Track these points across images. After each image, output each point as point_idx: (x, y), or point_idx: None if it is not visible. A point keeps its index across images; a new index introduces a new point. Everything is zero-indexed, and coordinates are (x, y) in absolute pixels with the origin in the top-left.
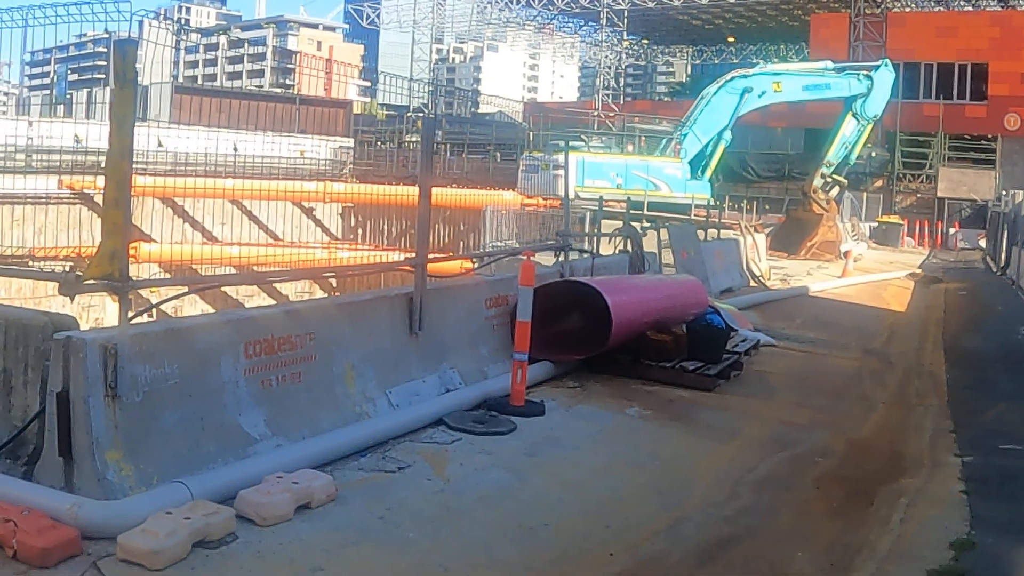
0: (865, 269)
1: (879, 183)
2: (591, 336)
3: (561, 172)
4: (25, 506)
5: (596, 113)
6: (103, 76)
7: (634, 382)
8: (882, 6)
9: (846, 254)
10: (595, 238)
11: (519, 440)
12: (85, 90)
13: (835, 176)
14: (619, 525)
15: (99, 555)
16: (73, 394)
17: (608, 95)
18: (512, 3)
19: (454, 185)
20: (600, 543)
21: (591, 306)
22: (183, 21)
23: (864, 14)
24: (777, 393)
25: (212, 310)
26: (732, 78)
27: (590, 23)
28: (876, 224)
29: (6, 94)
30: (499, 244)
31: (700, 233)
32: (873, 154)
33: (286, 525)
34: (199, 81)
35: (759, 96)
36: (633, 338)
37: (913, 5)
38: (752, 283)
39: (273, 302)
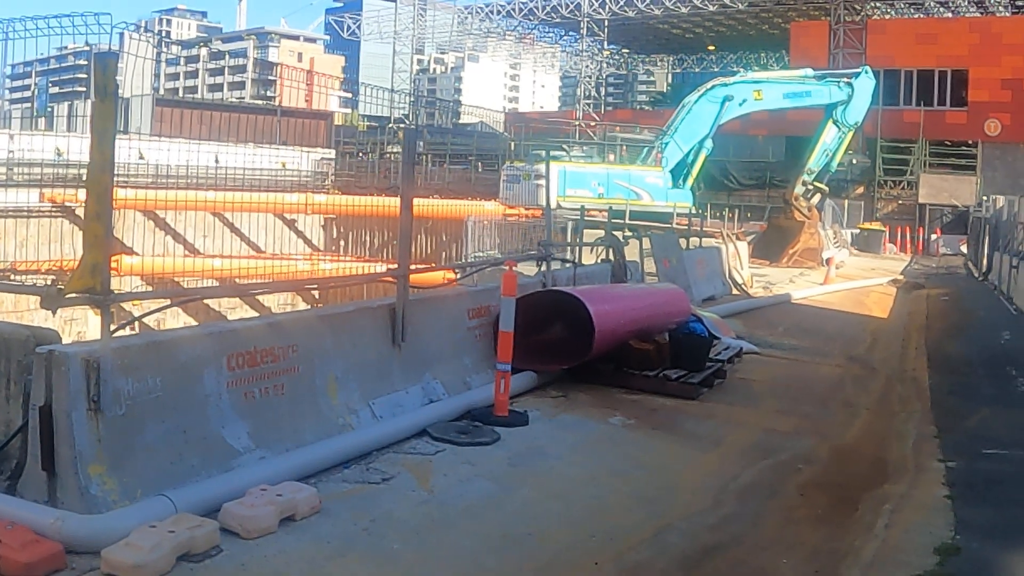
0: (847, 276)
1: (860, 190)
2: (574, 346)
3: (543, 182)
4: (8, 520)
5: (577, 122)
6: (84, 89)
7: (617, 391)
8: (862, 13)
9: (828, 261)
10: (577, 248)
11: (503, 450)
12: (66, 103)
13: (816, 183)
14: (604, 534)
15: (83, 569)
16: (56, 408)
17: (589, 104)
18: (493, 13)
19: (436, 196)
20: (585, 552)
21: (574, 316)
22: (164, 33)
23: (844, 21)
24: (760, 401)
25: (195, 323)
26: (713, 86)
27: (571, 33)
28: (858, 231)
29: None
30: (481, 254)
31: (682, 241)
32: (854, 161)
33: (270, 538)
34: (180, 93)
35: (740, 104)
36: (616, 347)
37: (893, 12)
38: (734, 291)
39: (256, 314)
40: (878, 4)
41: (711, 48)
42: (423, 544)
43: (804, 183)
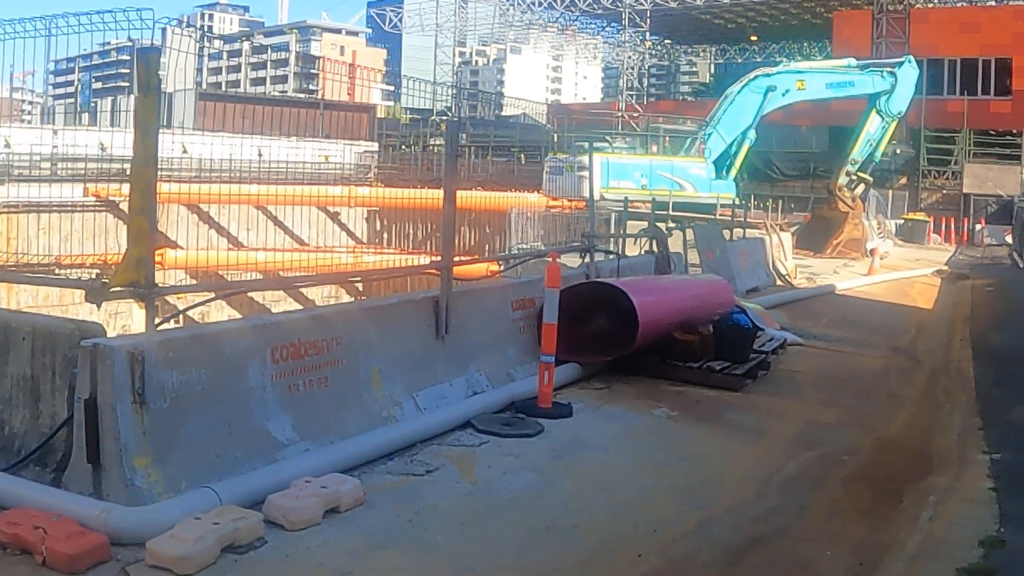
0: (891, 267)
1: (904, 180)
2: (618, 337)
3: (586, 173)
4: (54, 512)
5: (620, 114)
6: (127, 84)
7: (661, 383)
8: (905, 2)
9: (872, 252)
10: (621, 239)
11: (547, 442)
12: (109, 98)
13: (860, 174)
14: (648, 526)
15: (128, 561)
16: (101, 401)
17: (632, 95)
18: (534, 5)
19: (479, 188)
20: (629, 544)
21: (617, 307)
22: (206, 28)
23: (887, 10)
24: (804, 392)
25: (239, 316)
26: (755, 77)
27: (612, 24)
28: (902, 221)
29: (31, 103)
30: (525, 246)
31: (726, 233)
32: (898, 151)
33: (314, 529)
34: (223, 87)
35: (783, 94)
36: (660, 339)
37: (936, 1)
38: (778, 282)
39: (299, 307)
40: None
41: (754, 38)
42: (466, 536)
43: (848, 173)
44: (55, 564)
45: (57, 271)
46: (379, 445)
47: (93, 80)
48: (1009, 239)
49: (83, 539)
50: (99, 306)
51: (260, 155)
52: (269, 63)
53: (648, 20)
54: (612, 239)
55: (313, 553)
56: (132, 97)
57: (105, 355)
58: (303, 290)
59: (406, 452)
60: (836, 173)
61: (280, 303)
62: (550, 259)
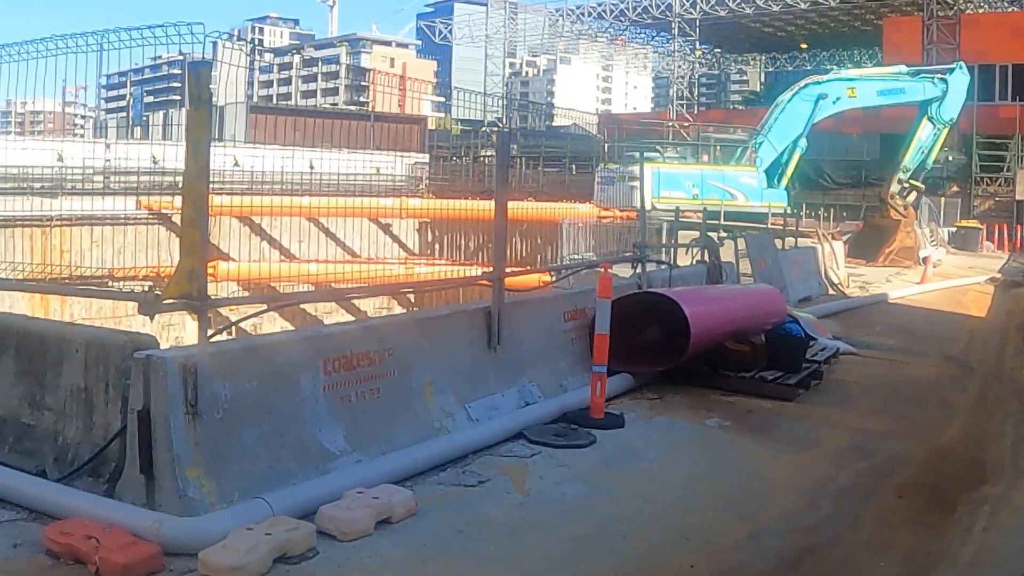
0: (944, 275)
1: (956, 187)
2: (669, 347)
3: (637, 183)
4: (107, 523)
5: (671, 123)
6: (179, 97)
7: (713, 393)
8: (955, 8)
9: (925, 260)
10: (672, 249)
11: (599, 453)
12: (161, 111)
13: (912, 181)
14: (699, 536)
15: (180, 571)
16: (154, 412)
17: (682, 105)
18: (584, 15)
19: (530, 198)
20: (680, 554)
21: (669, 317)
22: (257, 41)
23: (937, 16)
24: (857, 402)
25: (291, 327)
26: (806, 85)
27: (662, 33)
28: (954, 229)
29: (83, 117)
30: (576, 257)
31: (778, 242)
32: (950, 158)
33: (366, 540)
34: (274, 100)
35: (833, 102)
36: (712, 349)
37: (987, 6)
38: (831, 291)
39: (351, 318)
40: None
41: (804, 46)
42: (518, 546)
43: (900, 181)
44: (109, 574)
45: (110, 283)
46: (431, 456)
47: (145, 94)
48: None
49: (136, 549)
50: (152, 318)
51: (311, 167)
52: (320, 76)
53: (698, 29)
54: (664, 249)
55: (365, 564)
56: (184, 110)
57: (158, 367)
58: (355, 301)
59: (458, 463)
60: (888, 181)
61: (332, 314)
62: (602, 269)
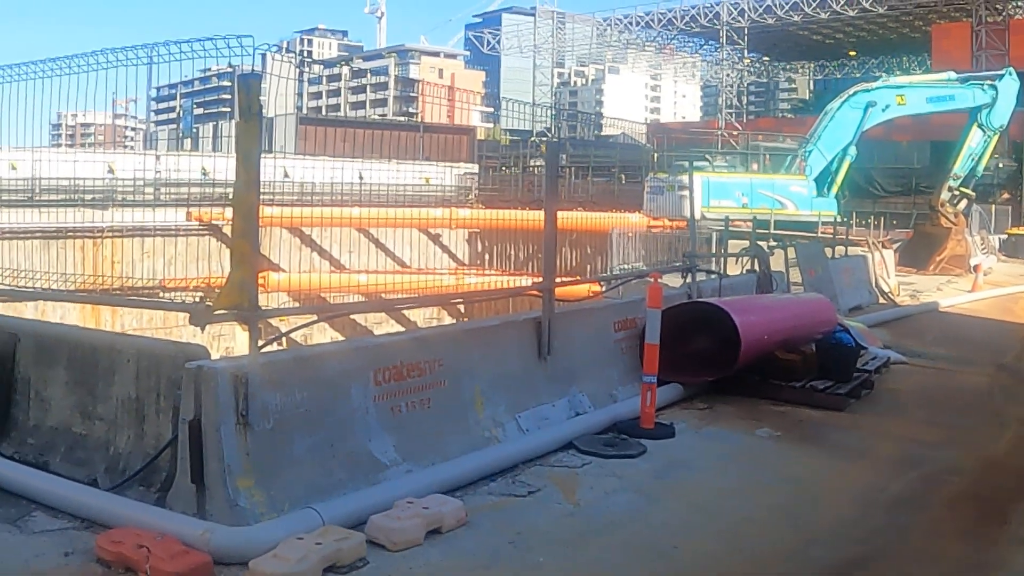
0: (995, 283)
1: (1007, 194)
2: (720, 357)
3: (686, 193)
4: (158, 532)
5: (720, 132)
6: (228, 109)
7: (763, 402)
8: (1004, 13)
9: (976, 268)
10: (722, 258)
11: (649, 463)
12: (211, 123)
13: (962, 189)
14: (749, 547)
15: None
16: (205, 422)
17: (731, 113)
18: (632, 25)
19: (580, 208)
20: (730, 565)
21: (719, 327)
22: (306, 53)
23: (986, 23)
24: (908, 411)
25: (341, 338)
26: (855, 92)
27: (710, 42)
28: (1005, 236)
29: (134, 129)
30: (626, 266)
31: (828, 250)
32: (1000, 165)
33: (416, 550)
34: (323, 112)
35: (883, 110)
36: (762, 358)
37: None
38: (881, 300)
39: (402, 329)
40: (1020, 4)
41: (852, 53)
42: (568, 557)
43: (950, 189)
44: None
45: (161, 294)
46: (481, 466)
47: (194, 106)
48: None
49: (186, 558)
50: (203, 328)
51: (361, 178)
52: (368, 87)
53: (746, 37)
54: (713, 258)
55: (415, 574)
56: (233, 122)
57: (209, 377)
58: (405, 312)
59: (508, 473)
60: (938, 188)
61: (382, 325)
62: (652, 279)
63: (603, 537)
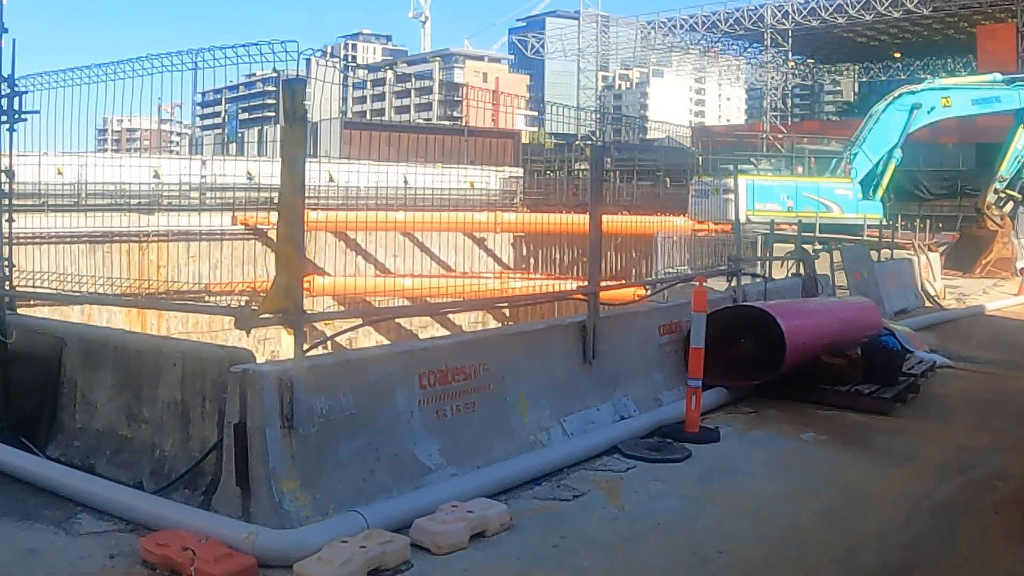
0: None
1: None
2: (765, 361)
3: (731, 196)
4: (203, 534)
5: (764, 135)
6: (273, 114)
7: (809, 407)
8: None
9: (1022, 271)
10: (767, 262)
11: (694, 467)
12: (256, 128)
13: (1009, 191)
14: (795, 552)
15: None
16: (250, 425)
17: (776, 116)
18: (676, 28)
19: (625, 212)
20: (775, 570)
21: (765, 331)
22: (350, 58)
23: None
24: (954, 416)
25: (386, 341)
26: (900, 95)
27: (755, 44)
28: None
29: (179, 134)
30: (671, 270)
31: (873, 254)
32: None
33: (461, 554)
34: (367, 116)
35: (928, 112)
36: (807, 362)
37: None
38: (927, 303)
39: (447, 332)
40: None
41: (897, 55)
42: (613, 561)
43: (996, 191)
44: None
45: (206, 298)
46: (526, 470)
47: (239, 111)
48: None
49: (231, 561)
50: (248, 332)
51: (405, 182)
52: (413, 91)
53: (790, 39)
54: (759, 262)
55: None
56: (278, 127)
57: (255, 381)
58: (450, 316)
59: (553, 477)
60: (984, 191)
61: (427, 328)
62: (697, 283)
63: (647, 542)
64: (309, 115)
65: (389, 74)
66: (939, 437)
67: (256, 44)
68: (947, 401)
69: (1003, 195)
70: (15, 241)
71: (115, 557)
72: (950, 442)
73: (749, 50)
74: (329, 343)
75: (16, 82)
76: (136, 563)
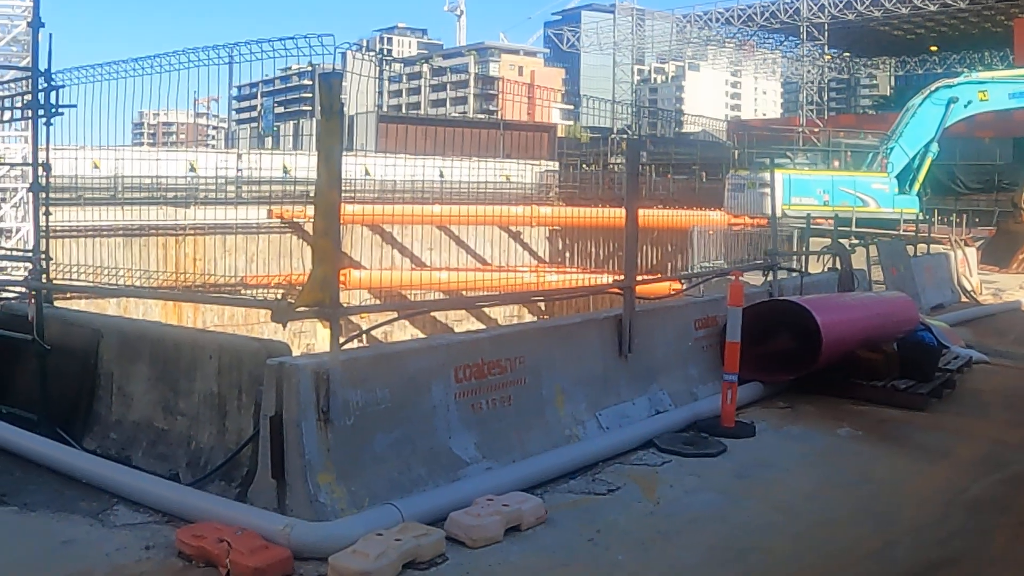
0: None
1: None
2: (801, 356)
3: (767, 190)
4: (239, 526)
5: (800, 129)
6: (308, 108)
7: (844, 402)
8: None
9: None
10: (803, 256)
11: (729, 462)
12: (291, 122)
13: None
14: (829, 548)
15: (310, 575)
16: (286, 418)
17: (812, 110)
18: (711, 21)
19: (660, 206)
20: (810, 566)
21: (801, 325)
22: (385, 51)
23: None
24: (990, 412)
25: (422, 335)
26: (937, 88)
27: (791, 38)
28: None
29: (215, 128)
30: (707, 264)
31: (909, 248)
32: None
33: (496, 547)
34: (403, 110)
35: (965, 106)
36: (843, 357)
37: None
38: (963, 298)
39: (482, 326)
40: None
41: (933, 49)
42: (647, 555)
43: None
44: None
45: (242, 291)
46: (561, 464)
47: (275, 105)
48: None
49: (267, 553)
50: (284, 325)
51: (441, 175)
52: (448, 85)
53: (826, 33)
54: (795, 256)
55: (494, 571)
56: (314, 121)
57: (291, 373)
58: (485, 309)
59: (588, 471)
60: (1021, 185)
61: (463, 322)
62: (733, 277)
63: (682, 536)
64: (345, 109)
65: (425, 68)
66: (975, 433)
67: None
68: (983, 397)
69: None
70: (52, 234)
71: (151, 548)
72: (986, 438)
73: (785, 43)
74: (364, 336)
75: (53, 76)
76: (172, 554)
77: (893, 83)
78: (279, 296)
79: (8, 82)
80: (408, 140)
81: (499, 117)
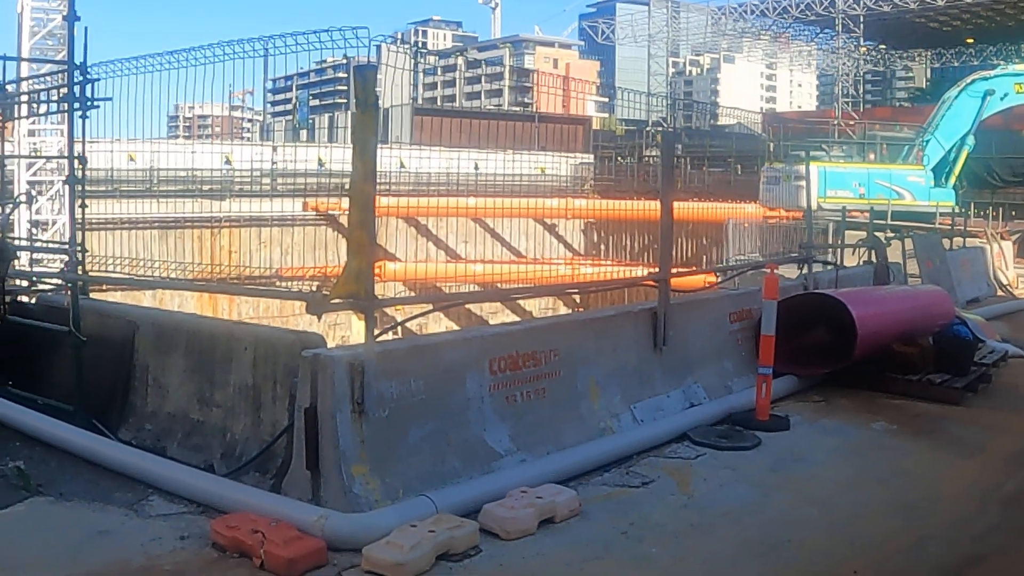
0: None
1: None
2: (836, 349)
3: (803, 183)
4: (273, 517)
5: (836, 122)
6: (343, 101)
7: (879, 395)
8: None
9: None
10: (839, 249)
11: (763, 455)
12: (326, 115)
13: None
14: (864, 542)
15: (344, 566)
16: (321, 410)
17: (847, 103)
18: (746, 13)
19: (695, 199)
20: (844, 560)
21: (836, 319)
22: (420, 44)
23: None
24: None
25: (456, 327)
26: (973, 81)
27: (826, 30)
28: None
29: (250, 121)
30: (742, 257)
31: (945, 242)
32: None
33: (529, 539)
34: (438, 102)
35: (1001, 98)
36: (878, 351)
37: None
38: (999, 292)
39: (517, 319)
40: None
41: (969, 41)
42: (681, 548)
43: None
44: (273, 567)
45: (277, 283)
46: (595, 457)
47: (310, 97)
48: None
49: (301, 543)
50: (319, 317)
51: (476, 168)
52: (483, 77)
53: (862, 25)
54: (830, 249)
55: (528, 563)
56: (349, 113)
57: (326, 365)
58: (520, 302)
59: (622, 464)
60: None
61: (497, 315)
62: (768, 270)
63: (716, 529)
64: (380, 101)
65: (459, 60)
66: (1011, 428)
67: (327, 31)
68: (1019, 391)
69: None
70: (88, 227)
71: (186, 539)
72: (1022, 433)
73: (820, 36)
74: (399, 328)
75: (88, 69)
76: (206, 545)
77: (929, 75)
78: (314, 288)
79: (44, 75)
80: (443, 133)
81: (534, 109)
